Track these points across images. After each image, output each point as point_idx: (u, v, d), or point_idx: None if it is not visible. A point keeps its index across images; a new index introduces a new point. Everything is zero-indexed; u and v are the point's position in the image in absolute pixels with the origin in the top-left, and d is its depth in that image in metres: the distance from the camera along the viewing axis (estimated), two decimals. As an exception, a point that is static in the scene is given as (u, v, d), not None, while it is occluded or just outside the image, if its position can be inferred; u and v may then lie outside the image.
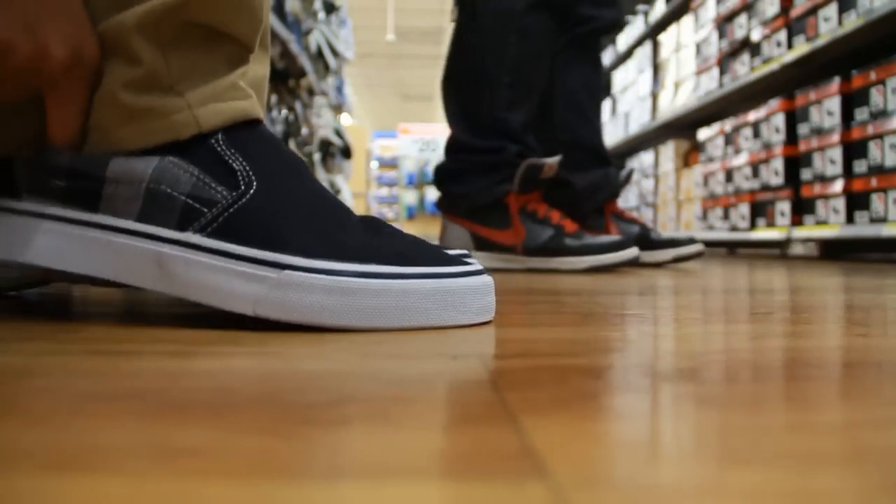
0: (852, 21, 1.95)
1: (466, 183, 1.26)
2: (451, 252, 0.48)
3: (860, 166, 1.89)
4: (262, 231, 0.44)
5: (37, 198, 0.47)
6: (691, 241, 1.42)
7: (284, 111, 3.02)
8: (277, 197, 0.45)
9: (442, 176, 1.31)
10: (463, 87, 1.28)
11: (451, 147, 1.30)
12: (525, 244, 1.23)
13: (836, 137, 2.00)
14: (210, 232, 0.44)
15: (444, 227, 1.32)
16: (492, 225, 1.25)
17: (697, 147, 3.16)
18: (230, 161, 0.45)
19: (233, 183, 0.45)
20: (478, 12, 1.25)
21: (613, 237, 1.22)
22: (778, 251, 2.81)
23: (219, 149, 0.46)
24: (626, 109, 4.05)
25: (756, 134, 2.51)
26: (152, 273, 0.45)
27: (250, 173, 0.45)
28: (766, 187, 2.43)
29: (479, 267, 0.47)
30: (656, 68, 3.64)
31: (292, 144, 3.02)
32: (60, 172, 0.46)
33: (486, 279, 0.47)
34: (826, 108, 2.05)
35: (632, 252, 1.20)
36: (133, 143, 0.46)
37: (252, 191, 0.45)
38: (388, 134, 11.58)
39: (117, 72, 0.45)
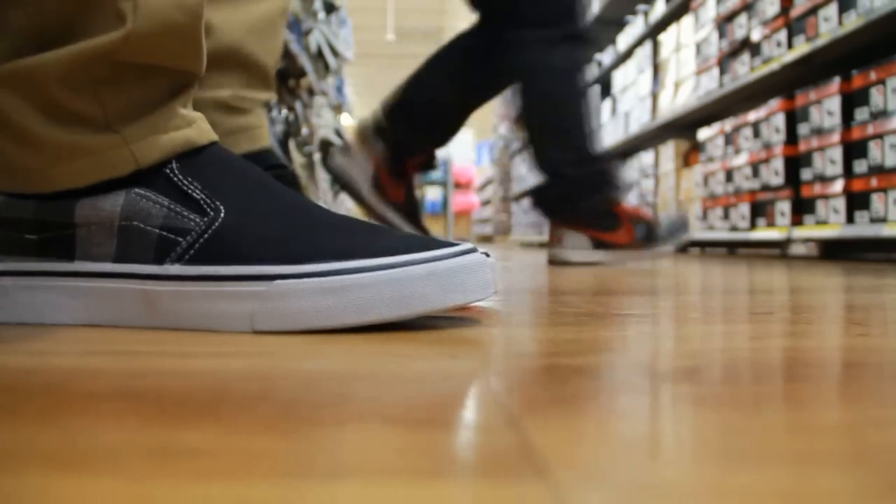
0: (852, 21, 1.95)
1: (586, 196, 1.51)
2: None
3: (860, 166, 1.89)
4: (241, 248, 0.43)
5: (10, 256, 0.46)
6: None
7: (284, 111, 3.02)
8: (249, 216, 0.44)
9: (561, 195, 1.52)
10: (564, 126, 1.51)
11: (568, 167, 1.50)
12: (632, 241, 1.51)
13: (836, 137, 1.99)
14: (188, 259, 0.43)
15: (556, 234, 1.55)
16: (607, 229, 1.52)
17: (697, 147, 3.16)
18: (189, 191, 0.44)
19: (201, 210, 0.44)
20: (556, 72, 1.48)
21: (674, 220, 1.51)
22: (778, 251, 2.80)
23: (175, 179, 0.45)
24: (626, 109, 4.05)
25: (756, 134, 2.51)
26: (140, 311, 0.44)
27: (215, 202, 0.44)
28: (766, 187, 2.43)
29: (469, 246, 0.46)
30: (656, 68, 3.64)
31: (292, 144, 3.02)
32: (29, 226, 0.45)
33: (479, 256, 0.45)
34: (826, 108, 2.05)
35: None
36: (68, 182, 0.44)
37: (222, 216, 0.44)
38: (389, 134, 11.56)
39: (36, 112, 0.43)
